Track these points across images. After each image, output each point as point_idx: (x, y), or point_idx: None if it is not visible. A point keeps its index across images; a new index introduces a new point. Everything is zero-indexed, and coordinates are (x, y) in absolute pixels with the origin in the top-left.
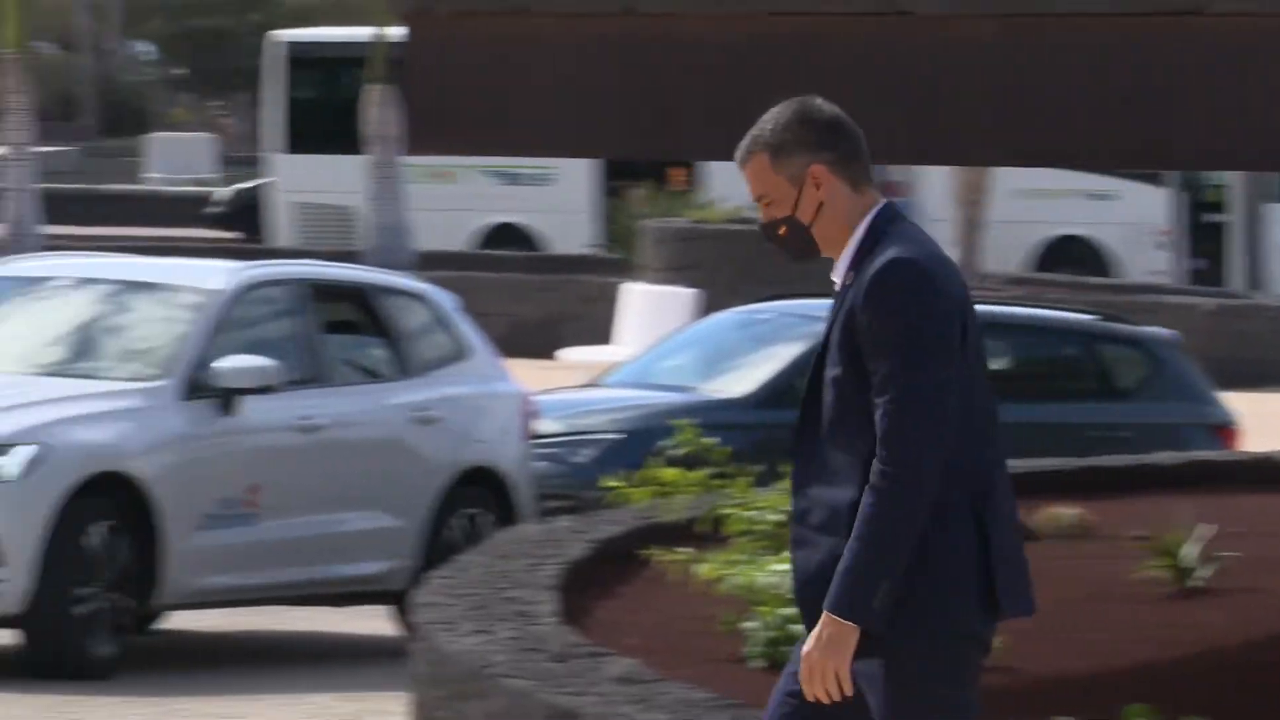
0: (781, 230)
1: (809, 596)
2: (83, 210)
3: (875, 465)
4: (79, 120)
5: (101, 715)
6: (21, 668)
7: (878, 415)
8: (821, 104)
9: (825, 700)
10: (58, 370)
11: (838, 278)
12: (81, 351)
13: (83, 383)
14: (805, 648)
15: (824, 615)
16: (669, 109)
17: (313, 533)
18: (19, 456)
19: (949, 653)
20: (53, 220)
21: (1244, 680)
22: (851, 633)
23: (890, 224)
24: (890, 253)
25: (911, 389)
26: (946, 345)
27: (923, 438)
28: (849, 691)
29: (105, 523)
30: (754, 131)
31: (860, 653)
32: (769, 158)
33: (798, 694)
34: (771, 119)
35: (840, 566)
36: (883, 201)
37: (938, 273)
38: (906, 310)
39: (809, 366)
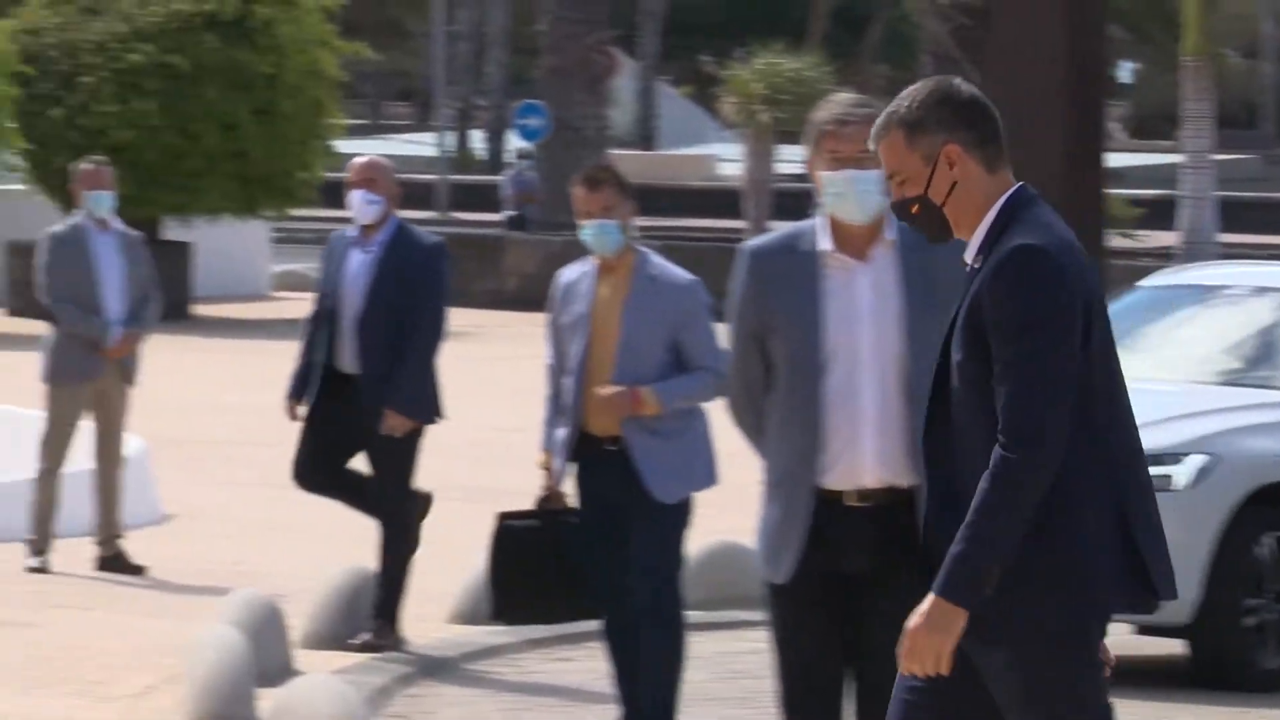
0: (914, 209)
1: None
2: (1261, 218)
3: (996, 451)
4: (1259, 127)
5: None
6: (1190, 678)
7: (1000, 402)
8: (960, 84)
9: (920, 674)
10: (1233, 379)
11: (969, 259)
12: (1257, 360)
13: (1257, 392)
14: (909, 624)
15: (932, 596)
16: None
17: None
18: (1190, 466)
19: (1078, 638)
20: (1229, 228)
21: None
22: (959, 615)
23: (1022, 208)
24: (1017, 239)
25: (1029, 378)
26: (1067, 335)
27: (1039, 428)
28: (945, 672)
29: (1275, 534)
30: (891, 107)
31: (986, 637)
32: (904, 135)
33: (919, 686)
34: (909, 95)
35: (952, 550)
36: (1017, 185)
37: (1064, 260)
38: (1029, 299)
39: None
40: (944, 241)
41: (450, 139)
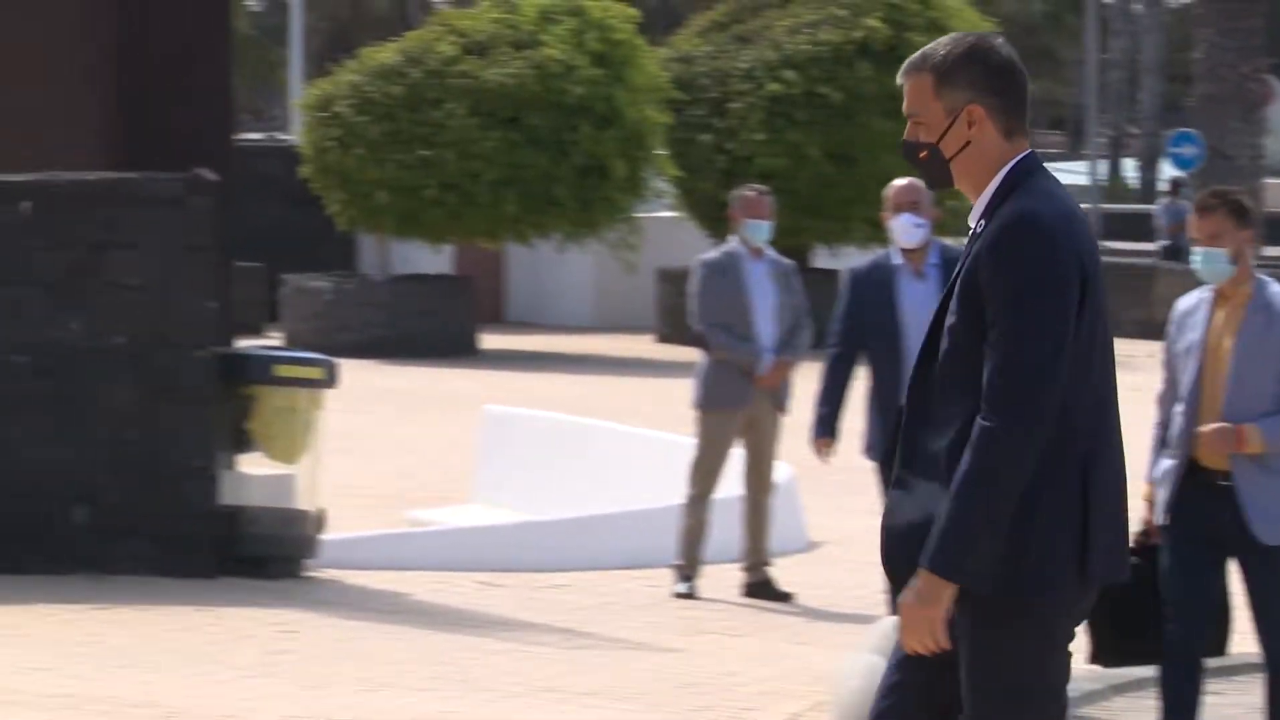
0: (922, 154)
1: (895, 551)
2: None
3: (978, 421)
4: None
5: None
6: None
7: (986, 371)
8: (1000, 45)
9: (923, 651)
10: None
11: (972, 222)
12: None
13: None
14: (901, 599)
15: (920, 571)
16: None
17: None
18: None
19: (1040, 614)
20: None
21: None
22: (946, 587)
23: (1028, 175)
24: (1017, 206)
25: (1020, 349)
26: (1062, 306)
27: (1027, 399)
28: (945, 645)
29: None
30: (927, 49)
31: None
32: (933, 81)
33: (900, 665)
34: (948, 43)
35: (938, 522)
36: (1025, 151)
37: (1061, 230)
38: (1024, 267)
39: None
40: (942, 189)
41: (1102, 167)
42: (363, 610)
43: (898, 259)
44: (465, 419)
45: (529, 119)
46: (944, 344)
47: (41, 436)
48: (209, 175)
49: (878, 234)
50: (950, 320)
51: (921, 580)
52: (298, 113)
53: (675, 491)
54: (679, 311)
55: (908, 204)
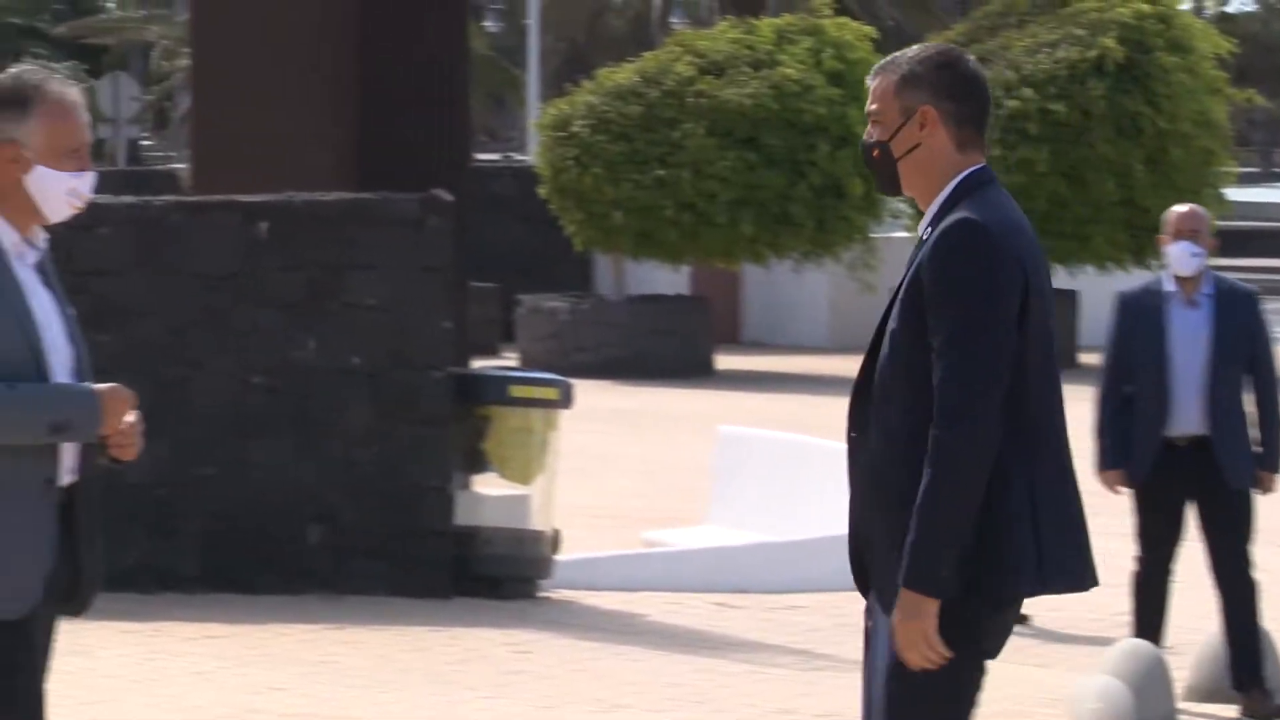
0: (875, 153)
1: (852, 554)
2: None
3: (932, 433)
4: None
5: None
6: None
7: (937, 377)
8: (972, 61)
9: (925, 665)
10: None
11: (921, 232)
12: None
13: None
14: (893, 620)
15: (901, 590)
16: None
17: None
18: None
19: (965, 617)
20: None
21: None
22: (927, 602)
23: (978, 187)
24: (960, 214)
25: (965, 356)
26: (1004, 313)
27: (971, 407)
28: (942, 652)
29: None
30: (899, 53)
31: (884, 605)
32: (896, 81)
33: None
34: (919, 50)
35: (908, 539)
36: (980, 164)
37: (1005, 238)
38: (966, 274)
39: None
40: (889, 195)
41: None
42: (597, 631)
43: (1170, 286)
44: (700, 439)
45: (766, 139)
46: (884, 349)
47: (278, 457)
48: (446, 196)
49: (1116, 254)
50: (892, 325)
51: (904, 598)
52: (535, 133)
53: None
54: None
55: (1187, 231)
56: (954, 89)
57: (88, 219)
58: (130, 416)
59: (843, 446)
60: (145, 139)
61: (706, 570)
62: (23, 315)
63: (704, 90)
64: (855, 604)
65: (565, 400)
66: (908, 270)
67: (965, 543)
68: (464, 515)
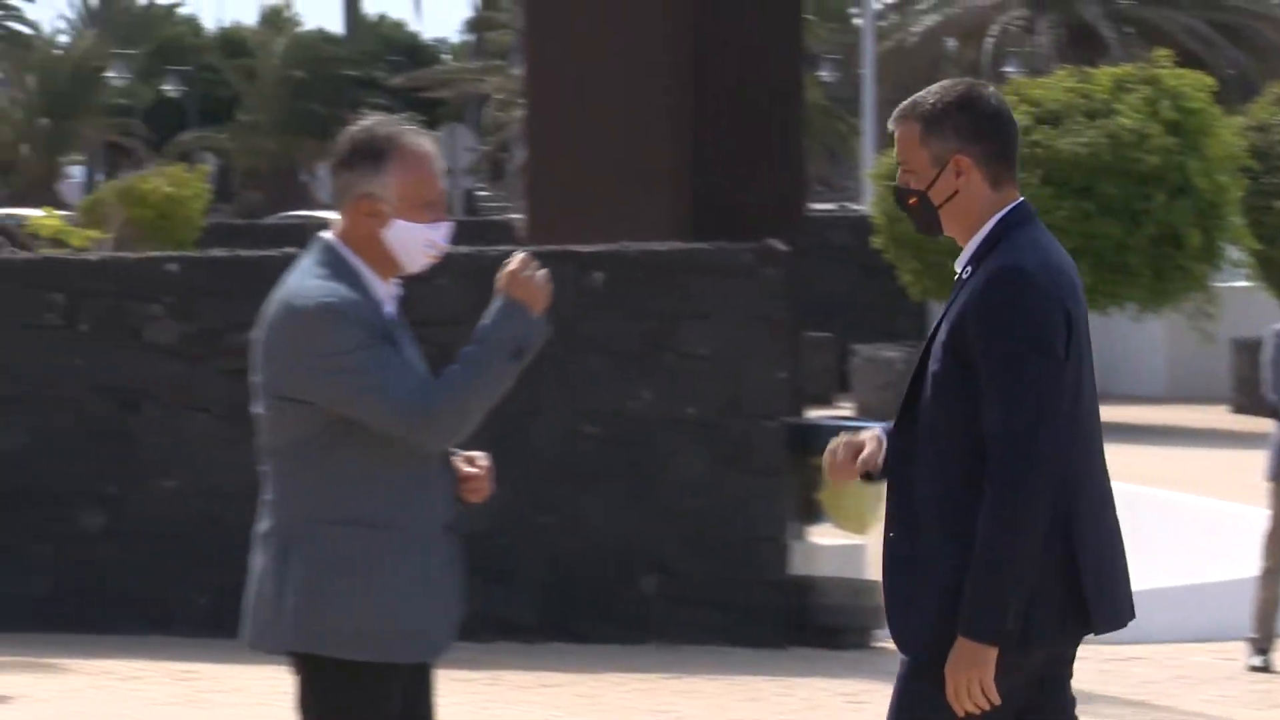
0: (911, 200)
1: (886, 591)
2: None
3: (988, 483)
4: None
5: None
6: None
7: (990, 431)
8: (990, 94)
9: (975, 712)
10: None
11: (958, 268)
12: None
13: None
14: (947, 666)
15: (959, 638)
16: None
17: None
18: None
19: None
20: None
21: None
22: (988, 651)
23: (1017, 226)
24: (1003, 260)
25: (1016, 409)
26: (1052, 349)
27: (1032, 454)
28: (996, 700)
29: None
30: (917, 97)
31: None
32: (921, 129)
33: None
34: (937, 93)
35: (968, 588)
36: (1016, 201)
37: (1048, 282)
38: (1013, 325)
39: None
40: (928, 235)
41: None
42: None
43: None
44: None
45: (1101, 188)
46: (928, 390)
47: (613, 506)
48: (780, 245)
49: None
50: (934, 367)
51: (964, 648)
52: (870, 183)
53: (1249, 564)
54: (1254, 382)
55: None
56: (980, 130)
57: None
58: (482, 461)
59: (1177, 497)
60: (481, 190)
61: None
62: (410, 356)
63: (1040, 140)
64: (1191, 656)
65: None
66: (947, 309)
67: (1026, 589)
68: (799, 565)
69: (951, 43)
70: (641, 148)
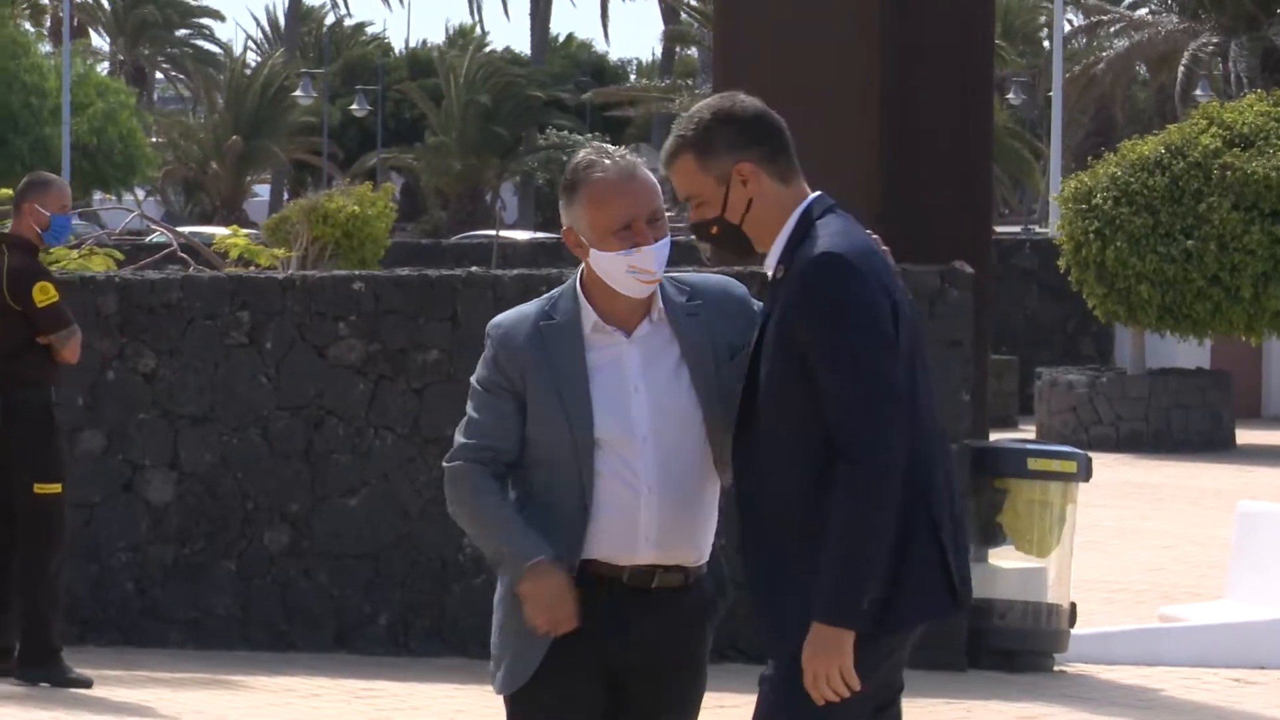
0: (714, 230)
1: (753, 600)
2: None
3: (842, 468)
4: None
5: None
6: None
7: (833, 417)
8: (744, 99)
9: (834, 699)
10: None
11: (768, 271)
12: None
13: None
14: (804, 655)
15: (814, 624)
16: None
17: None
18: None
19: (869, 649)
20: None
21: None
22: (846, 635)
23: (819, 217)
24: (817, 247)
25: (854, 390)
26: (884, 335)
27: (880, 433)
28: (856, 687)
29: None
30: (678, 131)
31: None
32: (694, 158)
33: None
34: (694, 118)
35: (823, 573)
36: (815, 194)
37: (865, 266)
38: (837, 308)
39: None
40: (746, 257)
41: None
42: (1113, 706)
43: None
44: (1220, 514)
45: None
46: (763, 394)
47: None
48: (966, 268)
49: None
50: (766, 369)
51: (821, 634)
52: (1056, 206)
53: None
54: None
55: None
56: (748, 135)
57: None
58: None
59: None
60: (667, 211)
61: (1224, 645)
62: (571, 397)
63: (1230, 162)
64: None
65: (1084, 473)
66: (768, 310)
67: (882, 572)
68: (980, 588)
69: (1141, 68)
70: (830, 170)
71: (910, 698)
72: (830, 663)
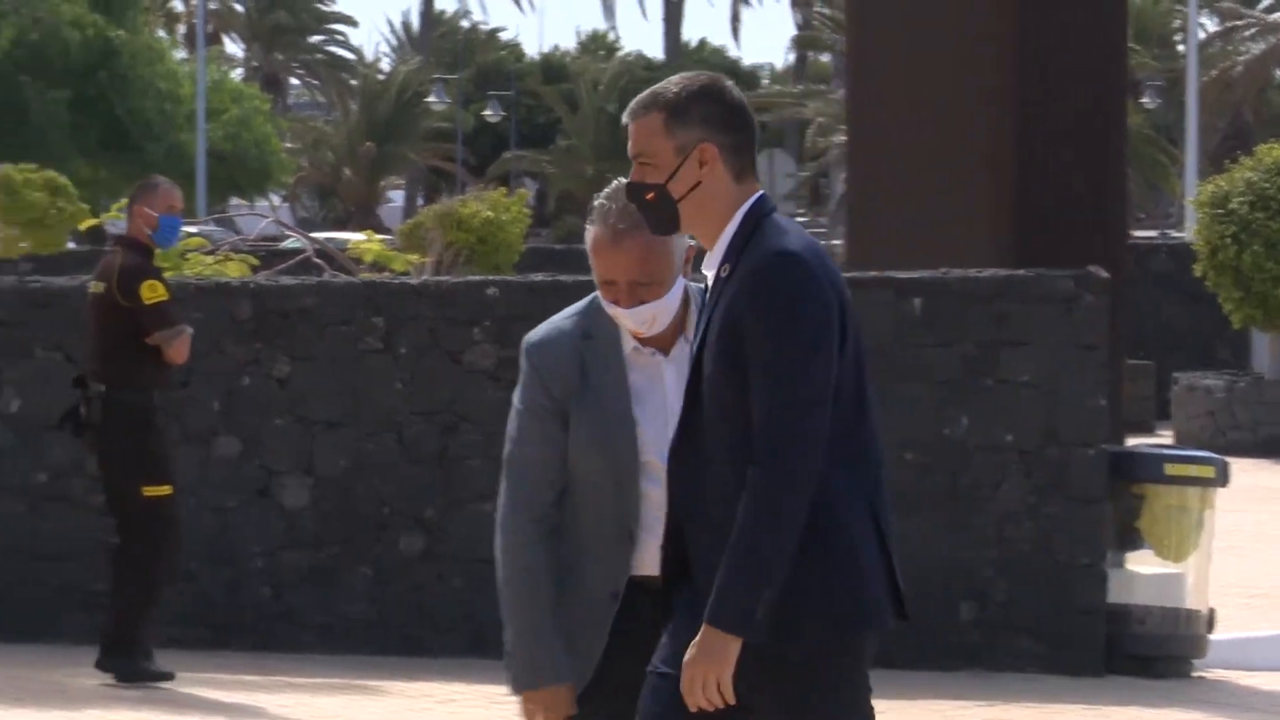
0: (649, 195)
1: (678, 605)
2: None
3: (751, 472)
4: None
5: None
6: None
7: (757, 419)
8: (732, 87)
9: (708, 708)
10: None
11: (710, 270)
12: None
13: None
14: (686, 658)
15: (704, 627)
16: None
17: None
18: None
19: (850, 657)
20: None
21: None
22: (733, 644)
23: (766, 216)
24: (772, 245)
25: (790, 391)
26: (825, 340)
27: (799, 442)
28: (731, 700)
29: None
30: (657, 88)
31: (753, 667)
32: (664, 119)
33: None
34: (680, 83)
35: (720, 577)
36: (760, 193)
37: (818, 266)
38: (787, 304)
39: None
40: (667, 234)
41: None
42: (1252, 712)
43: None
44: None
45: None
46: (706, 394)
47: (931, 533)
48: (1101, 272)
49: None
50: (709, 369)
51: (706, 636)
52: (1192, 210)
53: None
54: None
55: None
56: (727, 120)
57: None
58: None
59: None
60: (800, 215)
61: None
62: (616, 422)
63: None
64: None
65: (1222, 478)
66: (711, 311)
67: (779, 582)
68: (1117, 593)
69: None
70: (965, 174)
71: (1047, 703)
72: (711, 670)
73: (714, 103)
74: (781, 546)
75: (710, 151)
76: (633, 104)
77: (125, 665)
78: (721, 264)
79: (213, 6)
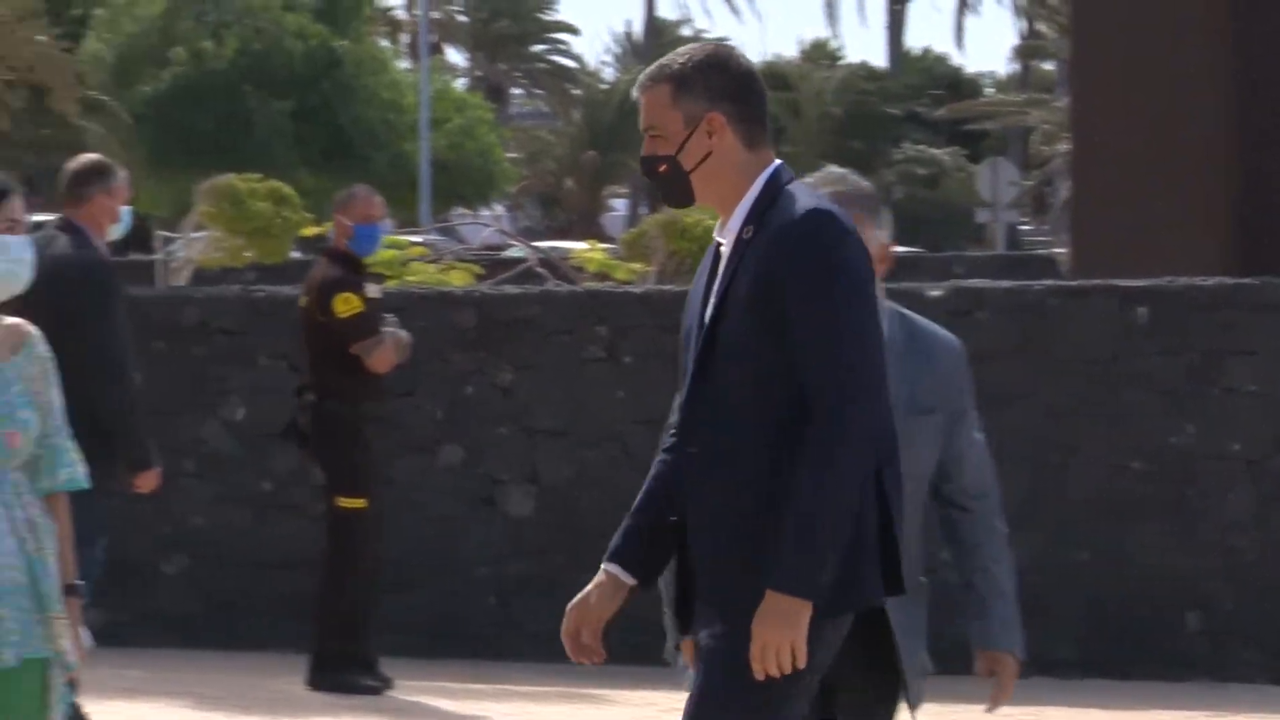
0: (661, 168)
1: (705, 584)
2: None
3: (816, 433)
4: None
5: None
6: None
7: (812, 378)
8: (740, 55)
9: (776, 675)
10: None
11: (729, 235)
12: None
13: None
14: (754, 625)
15: (770, 593)
16: None
17: None
18: None
19: (823, 625)
20: None
21: None
22: (804, 608)
23: (790, 181)
24: (804, 204)
25: (852, 344)
26: (871, 298)
27: (868, 395)
28: (802, 664)
29: None
30: (664, 60)
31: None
32: (671, 90)
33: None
34: (686, 53)
35: (788, 541)
36: (778, 161)
37: (852, 225)
38: (835, 262)
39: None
40: (682, 206)
41: None
42: None
43: None
44: None
45: None
46: (730, 360)
47: (1156, 542)
48: None
49: None
50: (736, 334)
51: (778, 605)
52: None
53: None
54: None
55: None
56: (734, 89)
57: (966, 304)
58: None
59: None
60: (1024, 223)
61: None
62: None
63: None
64: None
65: None
66: (730, 273)
67: (844, 544)
68: None
69: None
70: (1189, 185)
71: (1273, 714)
72: (784, 635)
73: (720, 72)
74: (846, 506)
75: (718, 121)
76: (641, 76)
77: (328, 679)
78: (744, 226)
79: (436, 16)
